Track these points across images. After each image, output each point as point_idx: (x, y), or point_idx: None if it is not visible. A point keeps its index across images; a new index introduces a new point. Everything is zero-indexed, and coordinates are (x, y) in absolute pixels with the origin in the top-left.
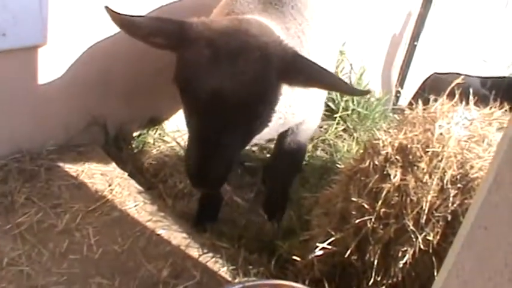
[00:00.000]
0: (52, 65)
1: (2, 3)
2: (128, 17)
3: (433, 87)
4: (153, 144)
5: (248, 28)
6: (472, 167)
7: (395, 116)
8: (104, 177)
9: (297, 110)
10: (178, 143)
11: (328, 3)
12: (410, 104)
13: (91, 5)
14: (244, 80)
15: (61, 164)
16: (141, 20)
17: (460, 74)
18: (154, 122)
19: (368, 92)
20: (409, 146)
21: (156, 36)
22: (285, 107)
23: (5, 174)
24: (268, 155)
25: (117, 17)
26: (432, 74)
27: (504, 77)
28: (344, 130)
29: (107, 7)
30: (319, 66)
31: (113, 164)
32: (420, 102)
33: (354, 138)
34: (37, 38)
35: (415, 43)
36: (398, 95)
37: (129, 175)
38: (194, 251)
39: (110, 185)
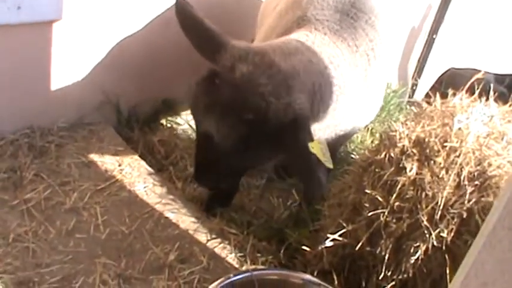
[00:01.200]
0: (66, 41)
1: None
2: (191, 13)
3: (450, 82)
4: (165, 126)
5: (264, 83)
6: (490, 165)
7: (412, 108)
8: (114, 157)
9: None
10: (190, 126)
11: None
12: (427, 97)
13: None
14: (230, 136)
15: (71, 142)
16: (196, 21)
17: (478, 70)
18: (168, 103)
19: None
20: (426, 139)
21: (196, 46)
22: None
23: (15, 149)
24: None
25: (185, 9)
26: (449, 69)
27: None
28: None
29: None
30: (306, 148)
31: (124, 144)
32: (438, 96)
33: (368, 129)
34: (52, 12)
35: (434, 36)
36: (414, 88)
37: (139, 156)
38: (202, 236)
39: (120, 165)
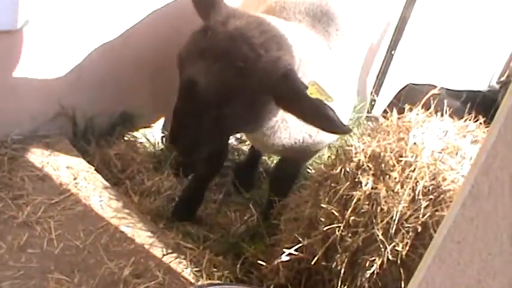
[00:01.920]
0: (22, 51)
1: None
2: None
3: (408, 97)
4: (122, 139)
5: (256, 36)
6: (444, 179)
7: (369, 123)
8: (69, 170)
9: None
10: (148, 140)
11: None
12: (385, 112)
13: None
14: (216, 82)
15: (25, 154)
16: None
17: (435, 86)
18: (125, 116)
19: (350, 130)
20: (382, 154)
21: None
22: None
23: None
24: (240, 157)
25: None
26: (408, 84)
27: (479, 91)
28: None
29: None
30: (306, 95)
31: (80, 157)
32: (395, 111)
33: None
34: (8, 22)
35: (392, 52)
36: (373, 103)
37: (95, 169)
38: (158, 251)
39: (75, 179)
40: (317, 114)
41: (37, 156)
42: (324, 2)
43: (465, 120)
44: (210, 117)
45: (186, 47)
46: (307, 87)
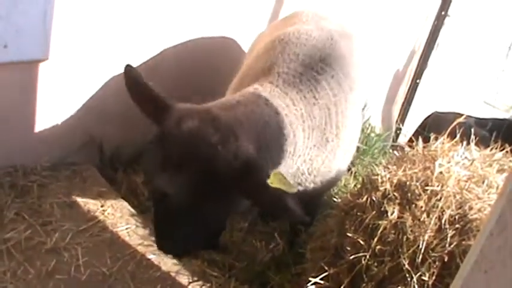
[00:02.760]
0: (52, 81)
1: (6, 14)
2: (136, 79)
3: (434, 125)
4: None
5: (211, 133)
6: (471, 208)
7: (395, 152)
8: (97, 198)
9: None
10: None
11: (365, 67)
12: (410, 141)
13: (94, 24)
14: (184, 191)
15: (54, 182)
16: (141, 86)
17: (461, 114)
18: (152, 145)
19: (308, 219)
20: (408, 183)
21: (142, 109)
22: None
23: None
24: None
25: (131, 74)
26: (433, 113)
27: (505, 119)
28: None
29: (128, 66)
30: (266, 186)
31: (107, 185)
32: (420, 140)
33: (351, 172)
34: (39, 52)
35: (418, 81)
36: (398, 131)
37: (122, 197)
38: (184, 278)
39: (102, 206)
40: (276, 205)
41: (65, 183)
42: (329, 43)
43: (491, 149)
44: (190, 220)
45: (147, 161)
46: (268, 176)
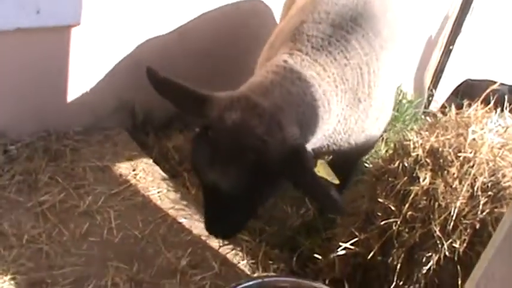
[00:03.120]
0: (84, 46)
1: None
2: (163, 79)
3: (466, 93)
4: (180, 131)
5: (256, 124)
6: (504, 176)
7: (427, 119)
8: (128, 162)
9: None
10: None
11: (401, 25)
12: (442, 108)
13: None
14: (237, 182)
15: (87, 146)
16: (171, 85)
17: (494, 82)
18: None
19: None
20: (440, 149)
21: (179, 107)
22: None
23: (31, 152)
24: None
25: (155, 76)
26: (466, 80)
27: None
28: None
29: (149, 68)
30: (313, 173)
31: (139, 149)
32: (453, 106)
33: (383, 139)
34: (71, 17)
35: (451, 47)
36: (430, 98)
37: (154, 161)
38: (214, 242)
39: (134, 170)
40: (321, 193)
41: (98, 147)
42: (362, 2)
43: None
44: (240, 207)
45: (195, 154)
46: (315, 165)
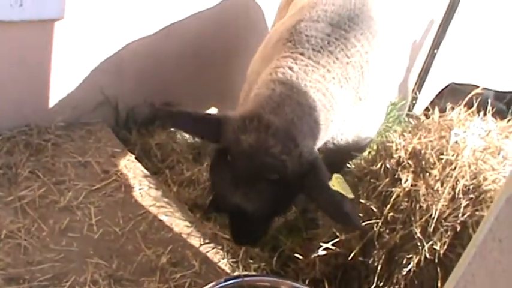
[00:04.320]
0: (67, 40)
1: None
2: (174, 113)
3: (450, 96)
4: (163, 129)
5: (272, 144)
6: (485, 179)
7: (410, 121)
8: (110, 158)
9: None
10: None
11: (395, 29)
12: (426, 110)
13: None
14: (261, 203)
15: (68, 141)
16: (182, 118)
17: (478, 86)
18: (167, 106)
19: (363, 228)
20: (422, 151)
21: (196, 135)
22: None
23: (12, 146)
24: None
25: (167, 113)
26: (450, 84)
27: None
28: None
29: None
30: (327, 187)
31: (121, 146)
32: (437, 109)
33: None
34: (54, 11)
35: (435, 51)
36: (414, 101)
37: (136, 158)
38: (195, 240)
39: (116, 166)
40: (335, 208)
41: (80, 143)
42: (358, 4)
43: (508, 121)
44: (264, 222)
45: (216, 179)
46: (330, 178)
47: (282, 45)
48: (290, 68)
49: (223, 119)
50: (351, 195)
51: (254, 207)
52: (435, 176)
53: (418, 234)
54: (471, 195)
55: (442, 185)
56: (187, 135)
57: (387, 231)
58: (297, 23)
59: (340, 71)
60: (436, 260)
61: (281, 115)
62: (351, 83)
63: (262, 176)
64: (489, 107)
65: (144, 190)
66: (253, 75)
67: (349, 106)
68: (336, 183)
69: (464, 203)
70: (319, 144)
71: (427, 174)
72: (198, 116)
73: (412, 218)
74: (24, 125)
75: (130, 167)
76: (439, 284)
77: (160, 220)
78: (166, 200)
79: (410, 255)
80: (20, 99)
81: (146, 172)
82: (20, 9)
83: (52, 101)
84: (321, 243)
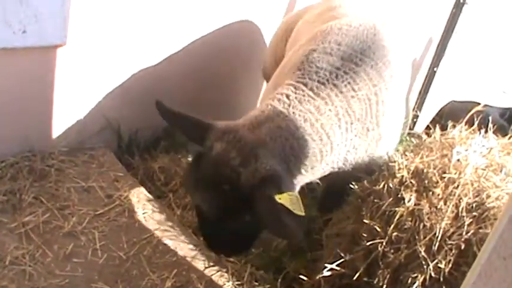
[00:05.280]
0: (70, 66)
1: None
2: (172, 111)
3: (451, 114)
4: (166, 153)
5: (234, 156)
6: (488, 196)
7: (412, 140)
8: (113, 183)
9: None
10: (190, 154)
11: (405, 54)
12: (427, 129)
13: (112, 8)
14: (215, 208)
15: (72, 166)
16: (177, 118)
17: (478, 103)
18: (169, 131)
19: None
20: (425, 170)
21: (187, 136)
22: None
23: (15, 172)
24: None
25: (164, 108)
26: (450, 102)
27: None
28: None
29: (158, 102)
30: (271, 198)
31: (124, 170)
32: (438, 127)
33: None
34: (57, 37)
35: (435, 69)
36: (415, 120)
37: (139, 182)
38: (200, 263)
39: (119, 191)
40: (274, 218)
41: (83, 168)
42: (371, 33)
43: (510, 138)
44: (223, 229)
45: (186, 178)
46: (280, 193)
47: (292, 74)
48: (287, 96)
49: (211, 126)
50: (300, 212)
51: (208, 209)
52: (438, 194)
53: (423, 253)
54: (474, 213)
55: (445, 204)
56: (189, 159)
57: (391, 250)
58: (309, 53)
59: (341, 104)
60: (441, 279)
61: (256, 133)
62: (355, 115)
63: (218, 184)
64: (490, 124)
65: (148, 214)
66: (263, 100)
67: (355, 137)
68: (284, 198)
69: (468, 221)
70: (314, 172)
71: (430, 193)
72: (194, 119)
73: (416, 237)
74: (27, 151)
75: (133, 191)
76: None
77: (165, 244)
78: (170, 223)
79: (416, 275)
80: (23, 125)
81: (149, 196)
82: (23, 35)
83: (55, 127)
84: (326, 264)
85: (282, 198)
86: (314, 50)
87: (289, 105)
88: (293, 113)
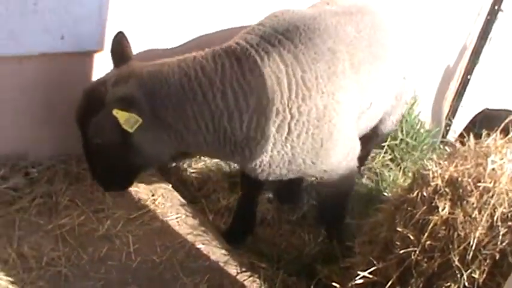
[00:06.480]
0: (106, 71)
1: (64, 6)
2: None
3: (484, 122)
4: (199, 158)
5: (109, 78)
6: None
7: (445, 148)
8: (147, 187)
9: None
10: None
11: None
12: (460, 137)
13: (148, 15)
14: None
15: None
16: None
17: None
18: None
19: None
20: (459, 179)
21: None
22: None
23: (52, 175)
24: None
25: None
26: (483, 110)
27: None
28: (391, 160)
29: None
30: (102, 120)
31: (158, 175)
32: (472, 136)
33: (400, 168)
34: (94, 43)
35: (469, 77)
36: (448, 128)
37: (172, 187)
38: (232, 269)
39: (153, 195)
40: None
41: None
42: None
43: None
44: (99, 159)
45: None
46: (121, 109)
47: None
48: (201, 57)
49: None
50: (128, 129)
51: (84, 128)
52: (472, 203)
53: (457, 263)
54: (510, 223)
55: (479, 213)
56: (222, 164)
57: (425, 259)
58: (245, 31)
59: (236, 76)
60: None
61: (144, 69)
62: (254, 92)
63: (92, 98)
64: None
65: (181, 218)
66: None
67: (253, 112)
68: (121, 114)
69: (502, 230)
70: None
71: (465, 202)
72: (126, 52)
73: (450, 246)
74: (64, 154)
75: (167, 195)
76: None
77: (198, 248)
78: (203, 228)
79: (449, 284)
80: (60, 129)
81: (183, 201)
82: (62, 41)
83: None
84: (358, 272)
85: (119, 113)
86: (249, 30)
87: (193, 67)
88: (180, 66)
